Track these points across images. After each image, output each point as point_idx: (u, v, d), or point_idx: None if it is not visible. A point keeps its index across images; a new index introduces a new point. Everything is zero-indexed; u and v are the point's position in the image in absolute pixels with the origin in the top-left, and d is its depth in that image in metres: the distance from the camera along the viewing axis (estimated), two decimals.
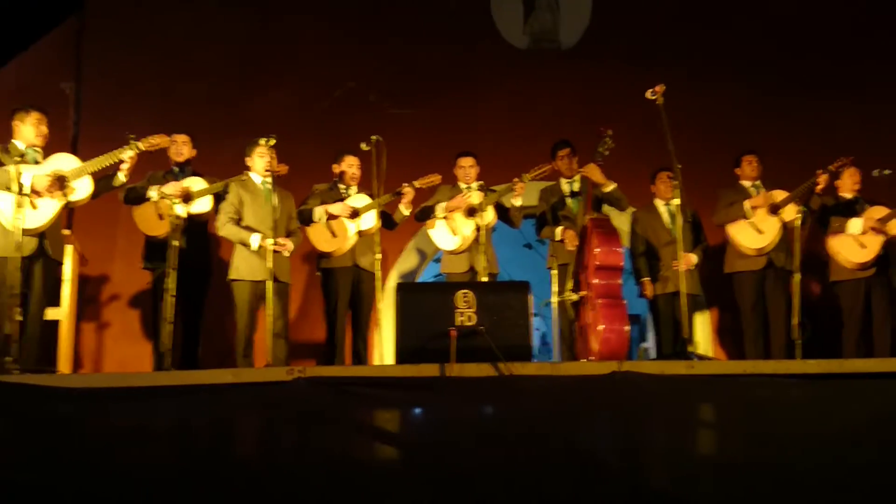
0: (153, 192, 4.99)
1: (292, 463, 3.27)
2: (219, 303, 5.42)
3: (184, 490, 3.17)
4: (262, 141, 4.71)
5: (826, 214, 5.59)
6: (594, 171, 5.14)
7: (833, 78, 6.75)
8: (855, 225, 5.46)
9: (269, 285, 4.49)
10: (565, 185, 5.60)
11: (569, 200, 5.58)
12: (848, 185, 5.63)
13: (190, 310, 5.17)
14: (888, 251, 5.42)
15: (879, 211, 5.42)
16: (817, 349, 4.54)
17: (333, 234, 5.23)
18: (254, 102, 6.69)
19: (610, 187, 5.24)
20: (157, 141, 4.79)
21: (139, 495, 3.11)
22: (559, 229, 5.39)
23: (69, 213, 5.66)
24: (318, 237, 5.26)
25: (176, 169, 5.24)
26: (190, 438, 3.44)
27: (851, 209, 5.57)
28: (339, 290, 5.27)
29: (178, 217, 4.59)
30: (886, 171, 4.95)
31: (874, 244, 5.38)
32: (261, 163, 5.04)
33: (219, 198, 5.13)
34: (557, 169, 5.60)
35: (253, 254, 4.93)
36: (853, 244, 5.45)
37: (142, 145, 4.71)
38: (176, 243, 4.44)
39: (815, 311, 5.80)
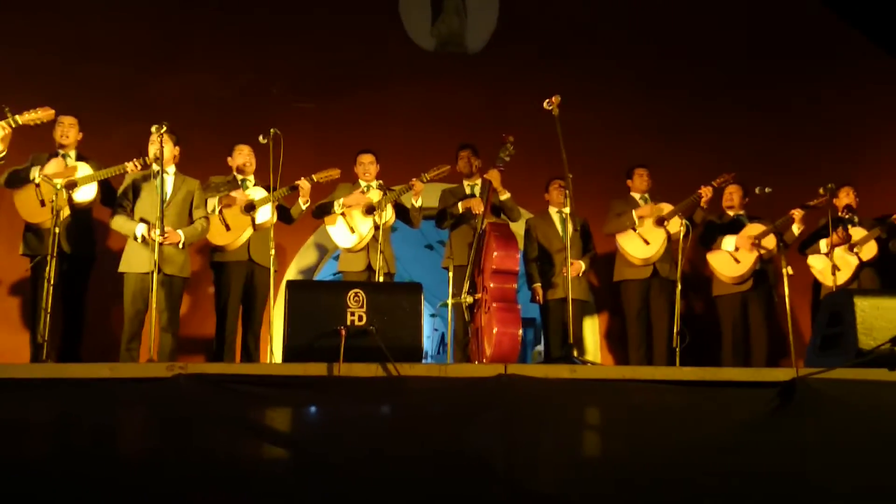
0: (35, 172, 4.76)
1: (172, 461, 3.19)
2: (108, 294, 5.23)
3: (59, 487, 3.06)
4: (154, 128, 4.56)
5: (708, 230, 5.85)
6: (495, 177, 5.22)
7: (723, 97, 7.08)
8: (728, 241, 5.75)
9: (155, 277, 4.34)
10: (467, 188, 5.66)
11: None
12: (730, 202, 5.91)
13: (71, 300, 4.98)
14: (765, 266, 5.73)
15: (756, 228, 5.71)
16: (699, 357, 4.74)
17: (227, 227, 5.12)
18: (151, 89, 6.47)
19: (505, 196, 5.33)
20: (38, 115, 4.54)
21: (14, 490, 2.98)
22: (460, 203, 5.44)
23: None
24: (212, 229, 5.12)
25: (61, 152, 5.02)
26: (66, 434, 3.31)
27: (733, 225, 5.85)
28: (232, 284, 5.17)
29: (59, 204, 4.37)
30: (768, 189, 5.20)
31: (748, 259, 5.67)
32: (152, 150, 4.88)
33: (104, 185, 4.95)
34: (459, 171, 5.65)
35: (143, 245, 4.78)
36: (728, 259, 5.74)
37: (20, 119, 4.47)
38: (56, 230, 4.25)
39: (699, 322, 6.07)
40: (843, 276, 5.62)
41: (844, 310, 3.73)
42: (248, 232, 5.14)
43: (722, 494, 3.28)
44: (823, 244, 5.71)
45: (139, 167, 4.88)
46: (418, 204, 5.48)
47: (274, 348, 4.59)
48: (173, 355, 4.84)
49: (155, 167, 4.78)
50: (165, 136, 4.64)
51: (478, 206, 5.24)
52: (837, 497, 3.27)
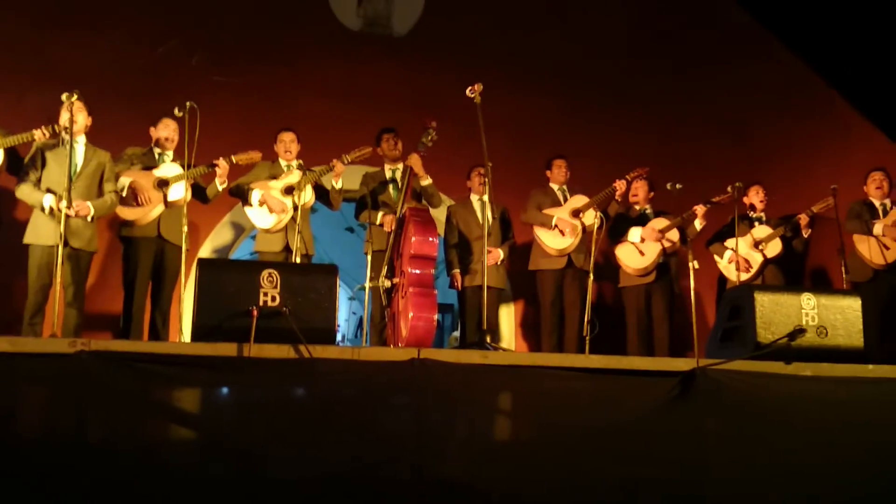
0: None
1: (73, 441, 3.09)
2: (11, 266, 5.05)
3: None
4: (65, 96, 4.38)
5: (617, 223, 6.01)
6: (416, 162, 5.21)
7: (638, 93, 7.26)
8: (634, 233, 5.91)
9: (60, 251, 4.18)
10: (388, 172, 5.64)
11: (390, 187, 5.62)
12: (636, 197, 6.07)
13: None
14: (667, 259, 5.91)
15: (662, 222, 5.89)
16: (609, 346, 4.86)
17: (137, 202, 4.97)
18: (66, 54, 6.21)
19: (426, 182, 5.34)
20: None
21: None
22: (379, 213, 5.42)
23: None
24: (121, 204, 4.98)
25: None
26: None
27: (639, 220, 6.02)
28: (140, 261, 5.04)
29: None
30: (678, 185, 5.36)
31: (652, 252, 5.85)
32: (64, 118, 4.70)
33: (10, 152, 4.74)
34: (382, 154, 5.63)
35: (49, 217, 4.60)
36: (634, 251, 5.91)
37: None
38: None
39: (610, 312, 6.23)
40: (747, 272, 5.85)
41: (745, 304, 3.87)
42: (160, 208, 5.01)
43: (624, 478, 3.38)
44: (729, 241, 5.93)
45: (48, 135, 4.70)
46: (338, 186, 5.44)
47: (184, 328, 4.50)
48: (78, 331, 4.70)
49: (65, 136, 4.60)
50: (77, 105, 4.47)
51: (389, 225, 5.22)
52: (732, 482, 3.41)
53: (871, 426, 3.58)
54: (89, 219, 4.70)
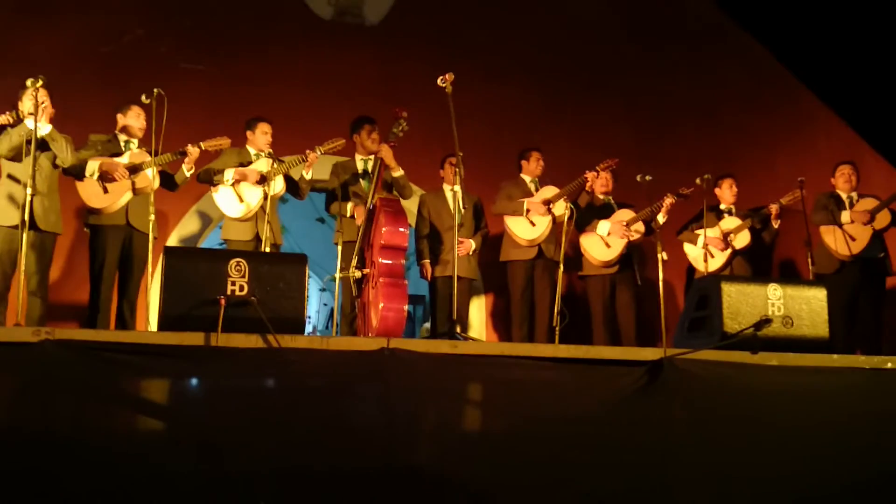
0: None
1: (37, 431, 3.05)
2: None
3: None
4: (29, 82, 4.29)
5: (584, 214, 6.03)
6: (388, 154, 5.18)
7: (608, 84, 7.29)
8: (603, 226, 5.95)
9: (25, 238, 4.08)
10: (360, 163, 5.59)
11: (361, 178, 5.59)
12: (605, 188, 6.09)
13: None
14: (631, 251, 5.95)
15: (626, 214, 5.93)
16: (577, 336, 4.89)
17: (105, 190, 4.90)
18: (31, 41, 6.09)
19: (398, 173, 5.30)
20: None
21: None
22: (350, 205, 5.39)
23: None
24: (88, 191, 4.91)
25: None
26: None
27: (603, 210, 6.05)
28: (108, 249, 4.97)
29: None
30: (648, 178, 5.38)
31: (618, 245, 5.89)
32: (28, 105, 4.61)
33: None
34: (359, 142, 5.54)
35: (9, 202, 4.52)
36: (600, 243, 5.95)
37: None
38: None
39: (580, 302, 6.26)
40: (716, 263, 5.91)
41: (712, 294, 3.91)
42: (127, 196, 4.95)
43: (593, 465, 3.41)
44: (698, 232, 5.98)
45: (11, 122, 4.61)
46: (308, 176, 5.39)
47: (151, 317, 4.45)
48: (42, 321, 4.62)
49: (28, 123, 4.51)
50: (41, 91, 4.39)
51: (359, 217, 5.20)
52: (699, 469, 3.45)
53: (835, 415, 3.65)
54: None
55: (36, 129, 4.32)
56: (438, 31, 7.01)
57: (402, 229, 4.80)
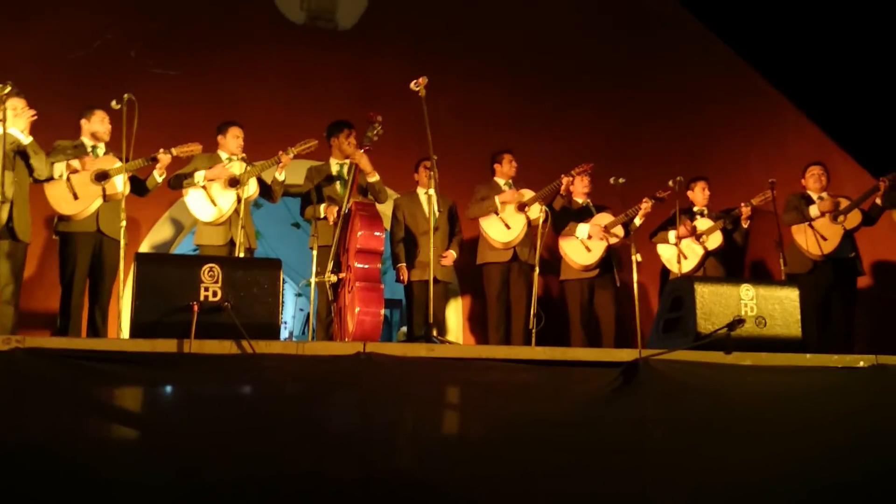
0: None
1: (7, 440, 3.00)
2: None
3: None
4: None
5: (561, 217, 6.06)
6: (362, 158, 5.17)
7: (582, 89, 7.34)
8: (582, 230, 5.98)
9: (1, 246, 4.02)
10: (335, 166, 5.56)
11: (337, 182, 5.55)
12: (580, 191, 6.12)
13: None
14: (610, 254, 5.98)
15: (605, 217, 5.96)
16: (553, 339, 4.91)
17: (75, 196, 4.84)
18: None
19: (373, 178, 5.29)
20: None
21: None
22: (323, 206, 5.36)
23: None
24: (58, 197, 4.84)
25: None
26: None
27: (581, 213, 6.08)
28: (78, 256, 4.91)
29: None
30: (621, 180, 5.41)
31: (598, 248, 5.92)
32: None
33: None
34: (337, 146, 5.50)
35: None
36: (580, 247, 5.97)
37: None
38: None
39: (555, 304, 6.28)
40: (689, 264, 5.95)
41: (686, 295, 3.94)
42: (98, 202, 4.89)
43: (569, 467, 3.41)
44: (672, 234, 6.02)
45: None
46: (281, 177, 5.36)
47: (123, 325, 4.39)
48: (14, 330, 4.55)
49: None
50: (19, 99, 4.34)
51: (332, 217, 5.17)
52: (673, 468, 3.47)
53: (809, 414, 3.68)
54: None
55: (5, 135, 4.26)
56: (411, 35, 7.02)
57: (377, 233, 4.80)
